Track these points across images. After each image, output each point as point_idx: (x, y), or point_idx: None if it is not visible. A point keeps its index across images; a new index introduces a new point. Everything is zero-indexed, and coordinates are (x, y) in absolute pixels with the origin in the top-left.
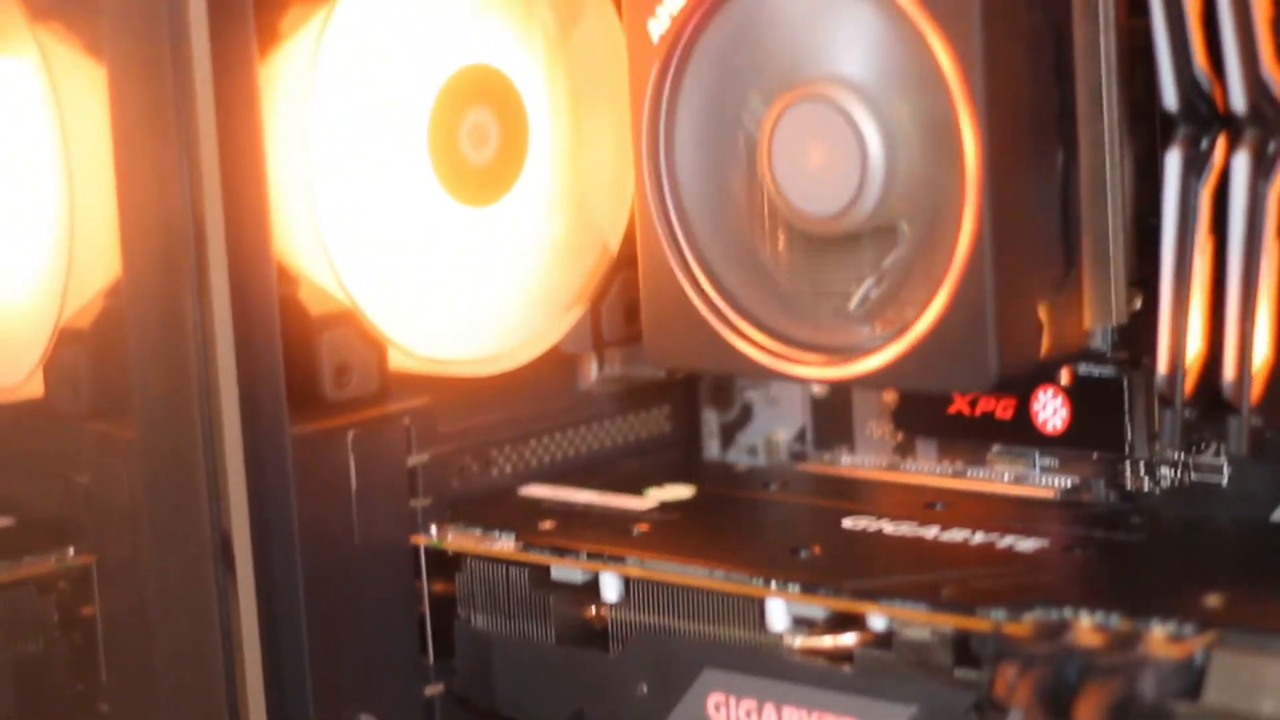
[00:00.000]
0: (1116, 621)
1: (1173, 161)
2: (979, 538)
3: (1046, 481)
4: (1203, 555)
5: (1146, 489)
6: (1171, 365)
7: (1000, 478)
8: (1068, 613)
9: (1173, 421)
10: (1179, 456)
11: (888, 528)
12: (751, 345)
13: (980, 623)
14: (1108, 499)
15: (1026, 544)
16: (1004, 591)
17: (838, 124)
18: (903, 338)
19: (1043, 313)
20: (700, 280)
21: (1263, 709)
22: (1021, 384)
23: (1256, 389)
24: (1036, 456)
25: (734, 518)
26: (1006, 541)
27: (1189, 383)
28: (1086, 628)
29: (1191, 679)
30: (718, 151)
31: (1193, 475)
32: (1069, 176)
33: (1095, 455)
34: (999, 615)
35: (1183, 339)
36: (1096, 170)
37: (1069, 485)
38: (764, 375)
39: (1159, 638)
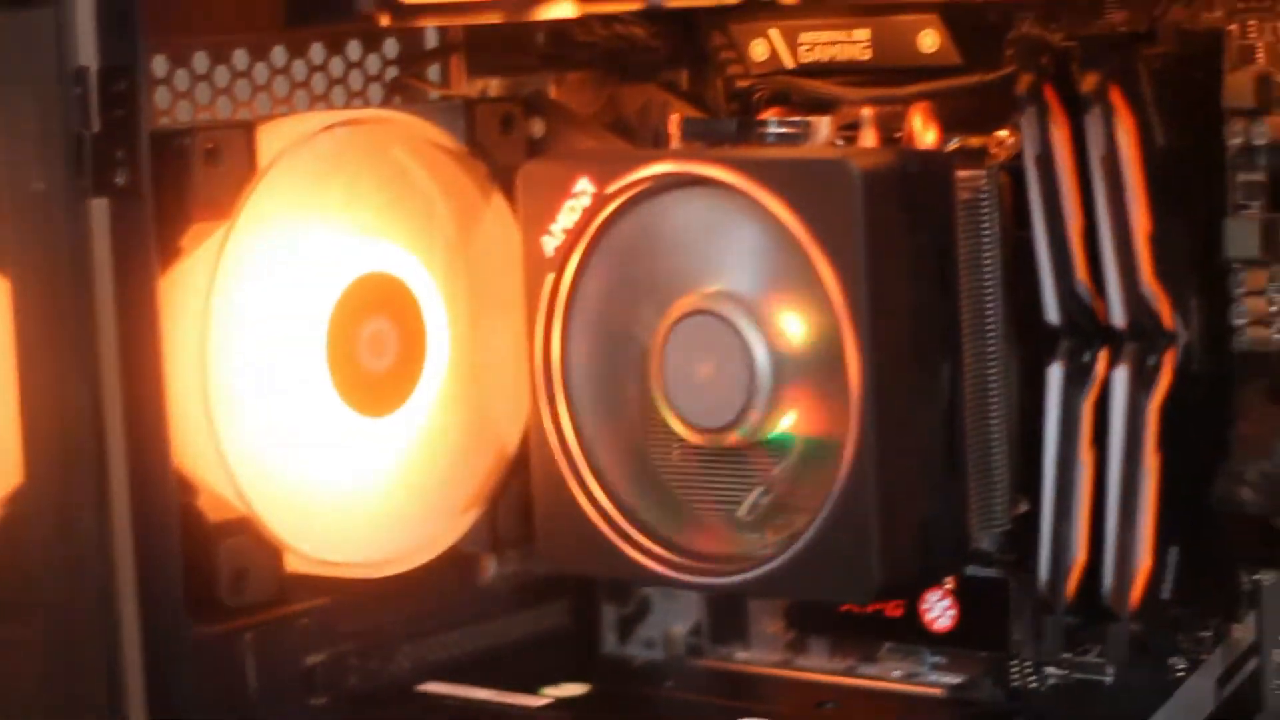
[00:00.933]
0: None
1: (1055, 375)
2: None
3: (936, 679)
4: None
5: (1033, 687)
6: (1053, 572)
7: (890, 675)
8: None
9: (1054, 627)
10: (1065, 656)
11: None
12: (642, 553)
13: None
14: (994, 697)
15: None
16: None
17: (726, 338)
18: (789, 548)
19: (926, 522)
20: (592, 488)
21: None
22: (907, 592)
23: (1135, 596)
24: (926, 655)
25: (625, 718)
26: None
27: (1070, 589)
28: None
29: None
30: (611, 361)
31: (1077, 675)
32: (955, 387)
33: (983, 654)
34: None
35: (1064, 547)
36: (980, 381)
37: (958, 683)
38: (654, 582)
39: None
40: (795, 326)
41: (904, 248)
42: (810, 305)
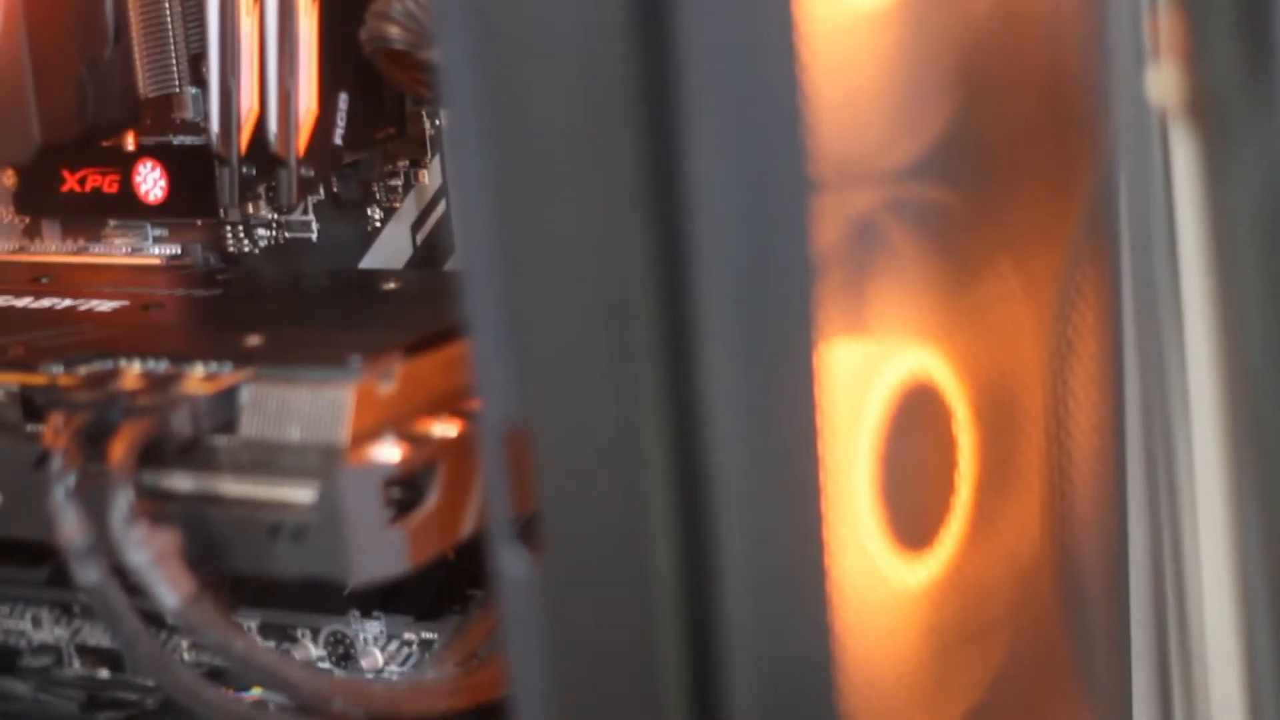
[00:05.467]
0: (162, 366)
1: None
2: (65, 303)
3: (159, 251)
4: (271, 304)
5: (246, 250)
6: (224, 123)
7: (119, 251)
8: (122, 363)
9: (231, 178)
10: (273, 218)
11: None
12: None
13: (40, 378)
14: (207, 262)
15: (106, 306)
16: (67, 348)
17: None
18: None
19: (87, 83)
20: None
21: (290, 435)
22: (73, 146)
23: (302, 141)
24: (148, 228)
25: None
26: (89, 305)
27: (243, 140)
28: (132, 374)
29: (230, 414)
30: None
31: (286, 234)
32: None
33: (199, 222)
34: (56, 370)
35: (234, 100)
36: None
37: (177, 252)
38: None
39: (195, 377)
40: None
41: None
42: None
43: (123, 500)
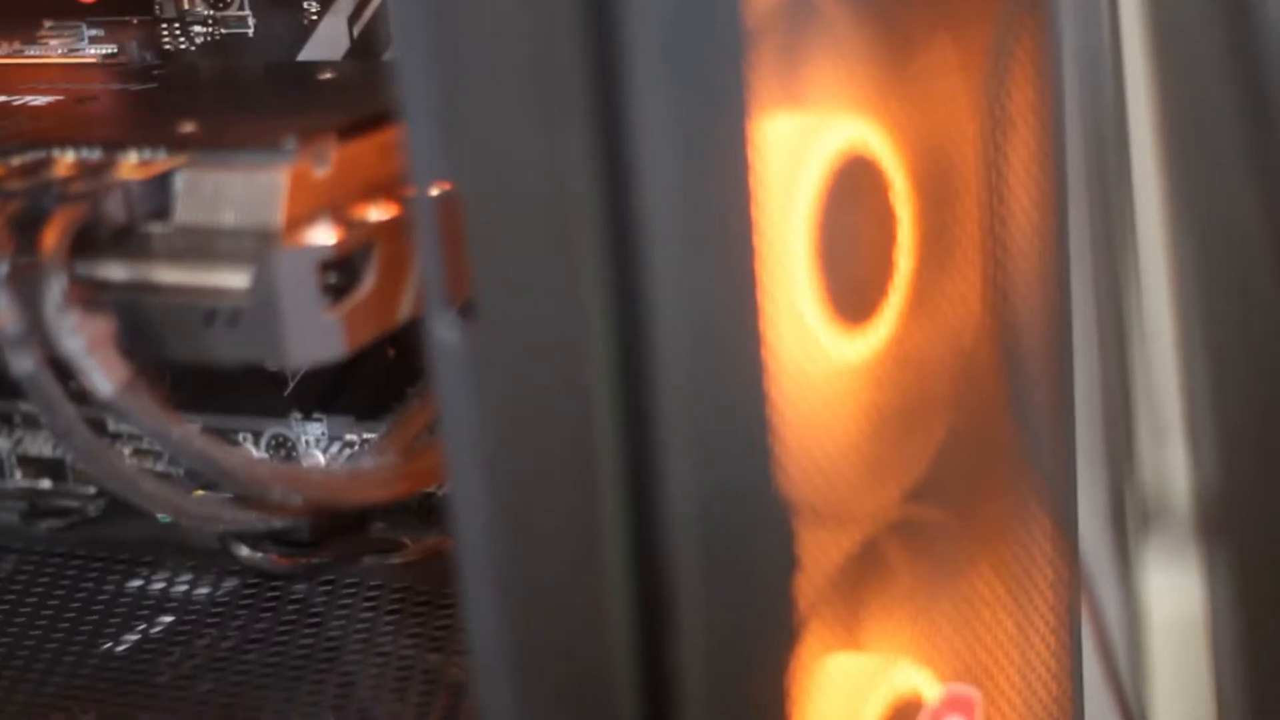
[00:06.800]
0: (96, 155)
1: None
2: None
3: (95, 51)
4: (206, 95)
5: (183, 47)
6: None
7: (54, 52)
8: (55, 152)
9: None
10: (208, 14)
11: None
12: None
13: None
14: (143, 59)
15: (40, 100)
16: None
17: None
18: None
19: None
20: None
21: (225, 220)
22: None
23: None
24: (84, 28)
25: None
26: (22, 100)
27: None
28: (65, 163)
29: (164, 200)
30: None
31: (223, 30)
32: None
33: (135, 20)
34: None
35: None
36: None
37: (113, 52)
38: None
39: (129, 164)
40: None
41: None
42: None
43: (55, 287)
